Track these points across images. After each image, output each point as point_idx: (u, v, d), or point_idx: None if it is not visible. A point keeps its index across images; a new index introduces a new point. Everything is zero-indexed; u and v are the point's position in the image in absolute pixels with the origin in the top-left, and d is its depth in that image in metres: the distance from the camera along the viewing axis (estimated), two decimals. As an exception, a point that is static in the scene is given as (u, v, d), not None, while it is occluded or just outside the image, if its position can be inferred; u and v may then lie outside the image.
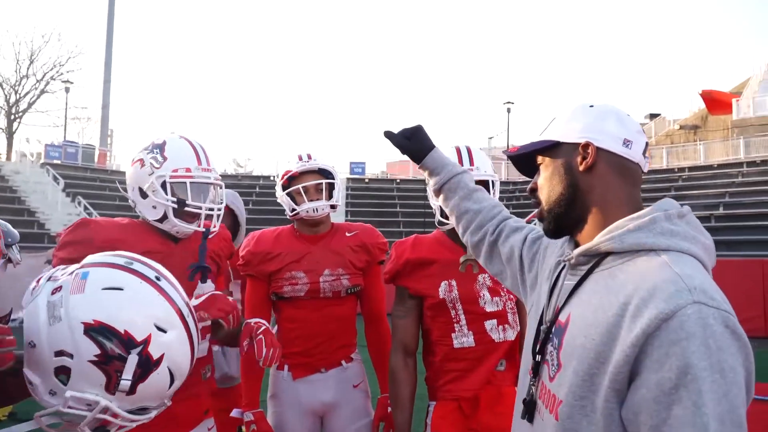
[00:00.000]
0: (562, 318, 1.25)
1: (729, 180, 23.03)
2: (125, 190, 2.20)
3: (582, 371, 1.13)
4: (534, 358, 1.31)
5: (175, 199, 2.08)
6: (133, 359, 1.23)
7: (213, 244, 2.31)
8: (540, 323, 1.34)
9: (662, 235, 1.17)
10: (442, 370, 2.41)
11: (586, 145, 1.28)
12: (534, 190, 1.41)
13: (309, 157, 2.65)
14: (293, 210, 2.61)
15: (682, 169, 25.28)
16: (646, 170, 1.32)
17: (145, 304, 1.29)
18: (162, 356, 1.27)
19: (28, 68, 35.27)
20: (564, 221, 1.32)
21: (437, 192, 1.81)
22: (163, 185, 2.09)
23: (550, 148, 1.35)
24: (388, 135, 1.84)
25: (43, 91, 35.95)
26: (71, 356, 1.22)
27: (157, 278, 1.35)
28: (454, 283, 2.38)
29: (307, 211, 2.58)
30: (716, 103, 28.04)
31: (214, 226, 2.19)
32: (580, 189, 1.29)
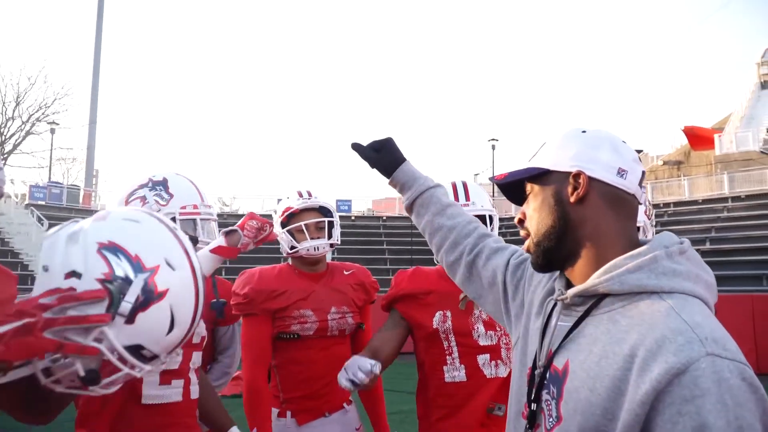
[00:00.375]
0: (558, 364, 1.18)
1: (715, 215, 23.19)
2: None
3: (590, 428, 1.06)
4: (529, 405, 1.23)
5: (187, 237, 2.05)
6: (138, 283, 1.22)
7: (221, 292, 2.43)
8: (534, 367, 1.26)
9: (665, 275, 1.11)
10: (434, 406, 2.32)
11: (578, 175, 1.20)
12: (522, 221, 1.32)
13: (309, 194, 2.62)
14: (293, 248, 2.55)
15: (667, 204, 25.46)
16: (642, 201, 1.27)
17: (160, 240, 1.32)
18: (166, 291, 1.25)
19: (14, 110, 35.25)
20: (554, 255, 1.24)
21: (409, 208, 1.72)
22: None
23: (540, 176, 1.27)
24: (356, 147, 1.74)
25: (28, 133, 35.86)
26: (80, 276, 1.21)
27: (175, 230, 1.38)
28: (449, 313, 2.32)
29: (308, 250, 2.54)
30: (699, 138, 28.44)
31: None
32: (570, 222, 1.21)
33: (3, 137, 34.74)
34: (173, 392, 2.01)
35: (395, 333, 2.37)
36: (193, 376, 2.10)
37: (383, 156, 1.72)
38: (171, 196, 2.13)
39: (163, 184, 2.16)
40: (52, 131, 35.77)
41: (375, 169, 1.74)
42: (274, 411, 2.53)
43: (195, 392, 2.11)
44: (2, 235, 22.90)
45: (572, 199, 1.20)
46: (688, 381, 0.95)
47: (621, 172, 1.20)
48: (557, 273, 1.32)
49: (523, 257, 1.50)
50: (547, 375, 1.19)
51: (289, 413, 2.50)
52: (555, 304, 1.26)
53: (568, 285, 1.26)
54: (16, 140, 35.41)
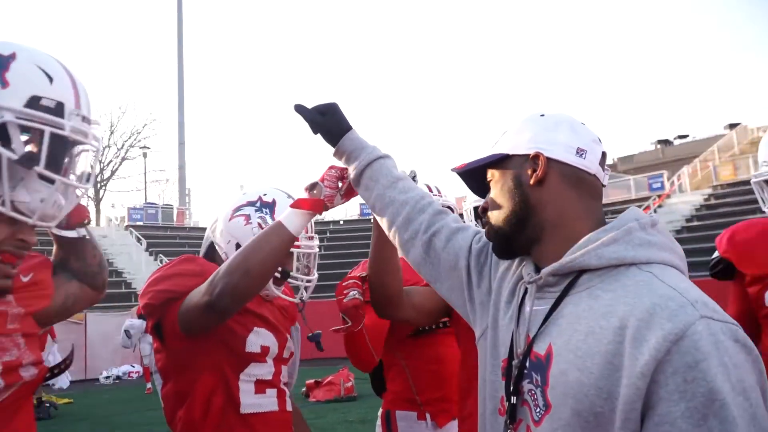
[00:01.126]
0: (538, 350, 1.12)
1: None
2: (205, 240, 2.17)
3: (584, 411, 1.00)
4: (508, 398, 1.16)
5: (279, 268, 1.96)
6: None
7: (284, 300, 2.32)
8: (510, 357, 1.18)
9: (641, 246, 1.09)
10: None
11: (536, 156, 1.18)
12: (486, 209, 1.29)
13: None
14: None
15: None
16: (605, 183, 1.25)
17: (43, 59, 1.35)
18: (14, 53, 1.31)
19: (109, 139, 37.44)
20: (515, 241, 1.22)
21: (356, 180, 1.56)
22: None
23: (500, 162, 1.25)
24: (299, 109, 1.59)
25: (123, 159, 38.05)
26: None
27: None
28: None
29: None
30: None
31: (302, 296, 2.13)
32: (531, 205, 1.19)
33: (102, 165, 36.92)
34: (269, 401, 1.98)
35: (436, 295, 2.08)
36: (285, 389, 2.08)
37: (328, 121, 1.57)
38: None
39: (271, 207, 2.08)
40: (145, 155, 37.88)
41: (319, 135, 1.60)
42: (411, 414, 2.48)
43: (289, 404, 2.08)
44: (106, 256, 24.04)
45: (532, 182, 1.18)
46: (688, 346, 0.92)
47: (580, 152, 1.18)
48: (525, 258, 1.26)
49: (485, 241, 1.39)
50: (527, 363, 1.13)
51: (428, 415, 2.45)
52: (526, 290, 1.21)
53: (537, 270, 1.20)
54: (113, 167, 37.62)
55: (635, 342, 0.96)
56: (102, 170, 36.70)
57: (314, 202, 1.72)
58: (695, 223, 23.30)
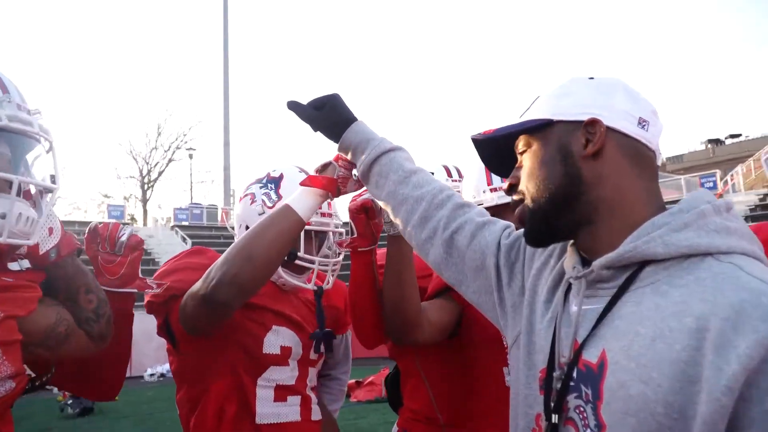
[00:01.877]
0: (589, 357, 0.94)
1: None
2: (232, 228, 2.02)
3: None
4: (548, 417, 0.98)
5: None
6: None
7: (334, 298, 1.99)
8: (551, 367, 1.00)
9: (717, 233, 0.91)
10: (489, 414, 1.79)
11: (592, 123, 1.00)
12: (514, 186, 1.11)
13: None
14: None
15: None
16: (660, 164, 1.08)
17: None
18: None
19: (156, 140, 38.22)
20: (559, 222, 1.04)
21: (365, 176, 1.38)
22: None
23: (539, 130, 1.07)
24: (293, 106, 1.40)
25: (170, 160, 38.77)
26: None
27: None
28: None
29: None
30: None
31: (327, 283, 1.86)
32: (583, 180, 1.01)
33: (149, 166, 37.77)
34: (290, 411, 1.77)
35: (450, 306, 1.83)
36: (311, 395, 1.88)
37: (328, 115, 1.39)
38: (279, 197, 1.83)
39: (276, 181, 1.87)
40: (191, 156, 38.55)
41: (320, 132, 1.42)
42: None
43: (316, 413, 1.87)
44: (153, 255, 24.70)
45: (586, 153, 1.00)
46: None
47: (642, 123, 1.02)
48: (565, 252, 1.09)
49: (517, 234, 1.24)
50: (574, 374, 0.95)
51: None
52: (569, 287, 1.04)
53: (584, 262, 1.03)
54: (161, 168, 38.40)
55: (719, 348, 0.79)
56: (149, 171, 37.52)
57: (326, 181, 1.53)
58: (750, 224, 22.43)
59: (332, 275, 1.88)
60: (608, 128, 1.00)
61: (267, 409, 1.72)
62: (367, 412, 9.31)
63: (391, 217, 1.36)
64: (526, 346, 1.09)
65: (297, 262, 1.78)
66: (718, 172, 27.95)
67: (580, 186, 1.00)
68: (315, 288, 1.84)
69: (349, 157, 1.42)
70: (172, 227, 28.78)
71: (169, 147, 38.82)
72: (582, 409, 0.93)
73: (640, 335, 0.87)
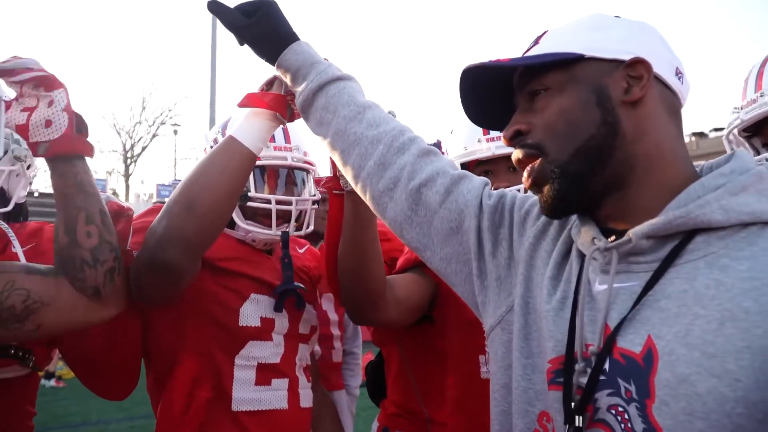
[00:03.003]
0: (628, 345, 0.77)
1: None
2: None
3: None
4: (568, 420, 0.80)
5: None
6: None
7: (304, 259, 1.74)
8: (571, 358, 0.82)
9: None
10: (458, 411, 1.61)
11: (635, 65, 0.84)
12: (521, 134, 0.90)
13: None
14: None
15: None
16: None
17: None
18: None
19: (140, 115, 37.61)
20: (589, 185, 0.85)
21: (305, 109, 1.14)
22: None
23: (564, 67, 0.87)
24: (214, 6, 1.16)
25: (154, 135, 38.21)
26: None
27: None
28: None
29: None
30: None
31: (300, 227, 1.59)
32: (621, 132, 0.84)
33: (132, 140, 37.20)
34: (274, 396, 1.52)
35: (422, 282, 1.59)
36: (302, 377, 1.61)
37: (260, 24, 1.14)
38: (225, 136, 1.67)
39: (226, 122, 1.68)
40: (175, 132, 37.98)
41: (249, 47, 1.17)
42: None
43: (307, 398, 1.61)
44: (134, 231, 24.57)
45: (628, 98, 0.84)
46: None
47: (679, 74, 0.88)
48: (566, 220, 0.93)
49: (500, 193, 1.05)
50: (606, 366, 0.79)
51: None
52: (581, 260, 0.88)
53: (605, 233, 0.86)
54: (144, 143, 37.86)
55: None
56: (133, 146, 36.96)
57: (272, 99, 1.25)
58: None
59: (308, 219, 1.62)
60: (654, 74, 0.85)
61: (246, 393, 1.48)
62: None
63: (338, 162, 1.13)
64: (521, 330, 0.91)
65: (249, 204, 1.53)
66: (703, 164, 28.14)
67: (616, 137, 0.84)
68: (275, 234, 1.55)
69: (288, 82, 1.17)
70: (155, 203, 28.49)
71: (154, 122, 38.17)
72: (621, 409, 0.76)
73: (701, 318, 0.73)
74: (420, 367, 1.74)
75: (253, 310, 1.51)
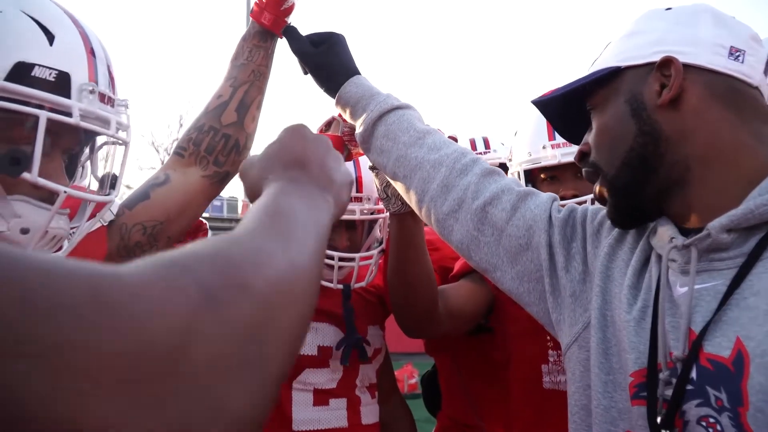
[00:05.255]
0: (716, 350, 0.71)
1: None
2: None
3: None
4: None
5: None
6: None
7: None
8: (654, 369, 0.77)
9: None
10: (521, 420, 1.54)
11: (666, 64, 0.81)
12: (585, 154, 0.91)
13: None
14: None
15: None
16: None
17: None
18: None
19: (178, 132, 38.32)
20: (641, 195, 0.84)
21: (366, 140, 1.14)
22: None
23: (606, 82, 0.87)
24: (289, 32, 1.18)
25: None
26: None
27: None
28: None
29: None
30: None
31: (372, 273, 1.57)
32: (663, 137, 0.81)
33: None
34: (333, 416, 1.53)
35: (477, 290, 1.54)
36: (364, 395, 1.60)
37: (326, 56, 1.16)
38: None
39: None
40: (212, 148, 38.66)
41: (313, 78, 1.17)
42: None
43: (370, 415, 1.60)
44: (173, 247, 24.95)
45: (660, 101, 0.81)
46: None
47: (735, 53, 0.81)
48: (646, 227, 0.89)
49: (571, 207, 1.02)
50: (693, 374, 0.73)
51: None
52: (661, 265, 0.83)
53: (683, 232, 0.82)
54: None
55: None
56: (171, 163, 37.72)
57: (332, 140, 1.17)
58: None
59: (373, 270, 1.59)
60: (687, 66, 0.81)
61: (305, 414, 1.50)
62: (414, 406, 9.13)
63: (401, 189, 1.12)
64: (599, 345, 0.86)
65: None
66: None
67: (659, 143, 0.82)
68: (341, 287, 1.54)
69: (347, 116, 1.18)
70: None
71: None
72: (713, 420, 0.70)
73: None
74: (475, 378, 1.69)
75: (311, 339, 1.52)
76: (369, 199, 1.56)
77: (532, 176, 1.67)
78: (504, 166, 1.86)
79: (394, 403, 1.76)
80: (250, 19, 1.24)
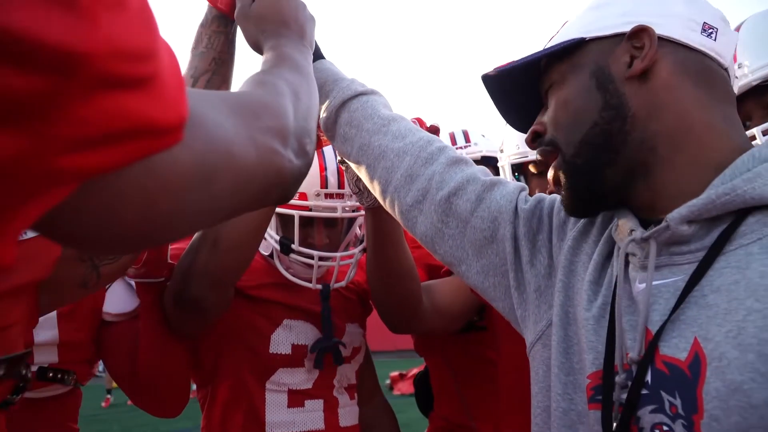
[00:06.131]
0: (672, 352, 0.66)
1: None
2: None
3: None
4: None
5: (278, 237, 1.47)
6: None
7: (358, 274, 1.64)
8: (608, 369, 0.72)
9: None
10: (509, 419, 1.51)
11: (638, 33, 0.75)
12: (539, 135, 0.84)
13: None
14: None
15: None
16: (735, 83, 0.84)
17: None
18: None
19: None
20: (602, 177, 0.77)
21: (329, 128, 1.09)
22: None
23: (568, 55, 0.81)
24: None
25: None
26: None
27: None
28: None
29: None
30: None
31: (351, 272, 1.53)
32: (630, 111, 0.75)
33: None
34: (308, 417, 1.47)
35: (467, 287, 1.42)
36: (342, 397, 1.55)
37: None
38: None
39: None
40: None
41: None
42: None
43: (348, 417, 1.55)
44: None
45: (631, 72, 0.75)
46: None
47: (708, 30, 0.76)
48: (612, 218, 0.83)
49: (538, 198, 0.96)
50: (648, 378, 0.68)
51: None
52: (627, 260, 0.77)
53: (645, 223, 0.76)
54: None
55: None
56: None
57: None
58: None
59: (352, 270, 1.54)
60: (662, 38, 0.75)
61: (279, 416, 1.44)
62: (408, 406, 9.14)
63: (365, 179, 1.07)
64: (560, 344, 0.81)
65: (292, 256, 1.47)
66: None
67: (625, 119, 0.75)
68: (316, 287, 1.48)
69: None
70: None
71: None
72: (666, 428, 0.65)
73: (757, 313, 0.61)
74: (467, 378, 1.65)
75: (284, 337, 1.47)
76: (351, 196, 1.50)
77: (522, 170, 1.66)
78: (487, 160, 1.88)
79: (376, 404, 1.71)
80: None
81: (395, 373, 11.01)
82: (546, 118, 0.84)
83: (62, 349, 1.31)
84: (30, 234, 0.96)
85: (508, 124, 0.97)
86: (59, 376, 1.31)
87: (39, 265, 0.98)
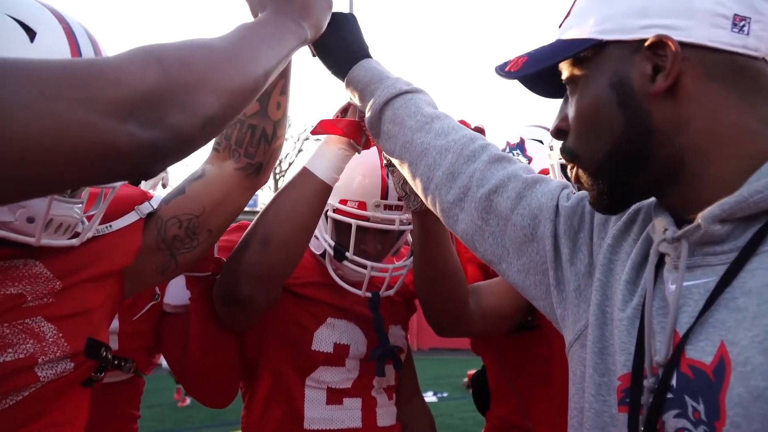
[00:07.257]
0: (698, 356, 0.64)
1: None
2: None
3: None
4: None
5: (333, 243, 1.48)
6: None
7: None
8: (637, 372, 0.70)
9: None
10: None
11: (658, 45, 0.69)
12: (563, 132, 0.81)
13: None
14: None
15: None
16: None
17: None
18: None
19: (287, 132, 39.72)
20: (627, 188, 0.76)
21: (374, 125, 1.09)
22: (326, 216, 1.50)
23: (585, 58, 0.77)
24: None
25: (299, 150, 40.22)
26: None
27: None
28: None
29: None
30: None
31: (389, 287, 1.52)
32: (656, 129, 0.71)
33: (280, 157, 39.32)
34: (347, 415, 1.48)
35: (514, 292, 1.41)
36: (380, 397, 1.55)
37: (336, 37, 1.09)
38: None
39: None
40: (319, 146, 39.77)
41: (321, 60, 1.12)
42: None
43: (386, 417, 1.55)
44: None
45: (654, 89, 0.70)
46: None
47: (739, 23, 0.68)
48: (654, 210, 0.79)
49: (580, 195, 0.92)
50: (674, 382, 0.66)
51: None
52: (661, 261, 0.74)
53: (679, 222, 0.73)
54: (291, 159, 39.99)
55: None
56: (281, 162, 39.09)
57: (346, 125, 1.20)
58: None
59: (401, 279, 1.54)
60: (685, 45, 0.69)
61: (317, 413, 1.46)
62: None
63: (408, 177, 1.06)
64: (596, 344, 0.79)
65: (345, 264, 1.47)
66: None
67: (650, 136, 0.72)
68: (366, 294, 1.48)
69: (356, 100, 1.13)
70: (240, 221, 29.62)
71: (298, 138, 40.27)
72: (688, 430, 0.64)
73: None
74: (522, 377, 1.64)
75: (327, 335, 1.48)
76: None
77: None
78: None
79: (414, 405, 1.72)
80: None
81: (472, 371, 10.92)
82: (569, 113, 0.81)
83: (122, 338, 1.38)
84: (114, 227, 1.08)
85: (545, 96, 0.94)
86: (116, 362, 1.35)
87: (121, 255, 1.07)
